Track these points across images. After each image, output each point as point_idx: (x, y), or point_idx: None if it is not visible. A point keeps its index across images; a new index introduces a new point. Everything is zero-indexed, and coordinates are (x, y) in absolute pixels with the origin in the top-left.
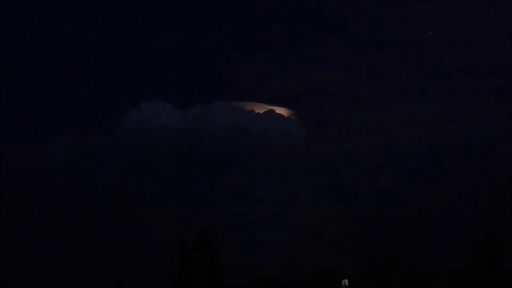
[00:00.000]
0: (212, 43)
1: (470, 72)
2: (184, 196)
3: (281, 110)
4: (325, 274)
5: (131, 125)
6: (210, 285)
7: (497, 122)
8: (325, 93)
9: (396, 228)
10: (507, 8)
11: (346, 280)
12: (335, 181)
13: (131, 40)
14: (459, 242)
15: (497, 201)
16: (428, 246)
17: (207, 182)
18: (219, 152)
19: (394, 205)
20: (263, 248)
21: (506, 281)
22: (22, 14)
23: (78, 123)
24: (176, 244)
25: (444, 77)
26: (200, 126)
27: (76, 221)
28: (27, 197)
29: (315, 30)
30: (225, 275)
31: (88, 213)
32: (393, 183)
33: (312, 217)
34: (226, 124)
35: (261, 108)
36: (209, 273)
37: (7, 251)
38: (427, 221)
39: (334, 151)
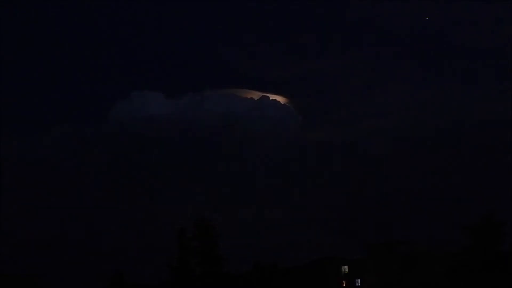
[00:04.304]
0: (203, 31)
1: (464, 56)
2: (179, 185)
3: (275, 97)
4: (325, 261)
5: (122, 115)
6: (209, 274)
7: (495, 104)
8: (320, 79)
9: (394, 213)
10: None
11: (346, 267)
12: (331, 167)
13: (119, 32)
14: (458, 226)
15: (496, 184)
16: (427, 230)
17: (201, 170)
18: (212, 139)
19: (392, 190)
20: (261, 234)
21: (506, 263)
22: (15, 10)
23: (70, 115)
24: (175, 233)
25: (439, 62)
26: (192, 114)
27: (73, 212)
28: (25, 188)
29: (309, 18)
30: (224, 264)
31: (84, 203)
32: (390, 168)
33: (309, 204)
34: (218, 112)
35: (255, 95)
36: (208, 262)
37: (5, 243)
38: (426, 206)
39: (330, 136)
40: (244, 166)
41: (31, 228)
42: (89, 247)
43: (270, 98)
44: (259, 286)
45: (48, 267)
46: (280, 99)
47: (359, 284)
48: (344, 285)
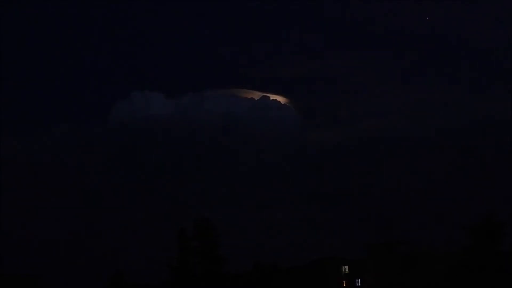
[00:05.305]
0: (203, 31)
1: (464, 56)
2: (179, 185)
3: (275, 97)
4: (325, 261)
5: (122, 115)
6: (210, 274)
7: (495, 104)
8: (321, 79)
9: (394, 213)
10: None
11: (346, 267)
12: (331, 167)
13: (119, 32)
14: (458, 226)
15: (496, 184)
16: (427, 230)
17: (201, 170)
18: (213, 139)
19: (392, 190)
20: (261, 234)
21: (506, 264)
22: (14, 10)
23: (70, 115)
24: (175, 233)
25: (439, 61)
26: (192, 115)
27: (73, 212)
28: (25, 188)
29: (310, 18)
30: (224, 264)
31: (84, 203)
32: (390, 168)
33: (309, 204)
34: (218, 112)
35: (255, 95)
36: (209, 262)
37: (5, 243)
38: (426, 206)
39: (330, 136)
40: (245, 166)
41: (31, 228)
42: (89, 247)
43: (270, 98)
44: (259, 286)
45: (48, 267)
46: (280, 99)
47: (359, 284)
48: (344, 285)
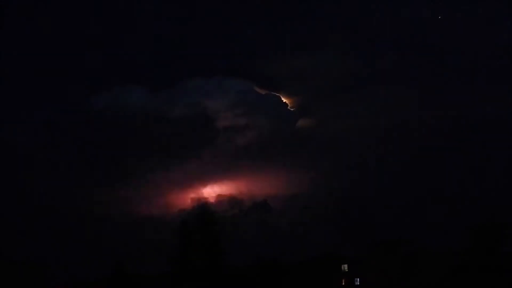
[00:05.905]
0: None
1: (463, 55)
2: (182, 179)
3: (274, 93)
4: (324, 259)
5: (104, 105)
6: (211, 267)
7: (495, 104)
8: (319, 76)
9: (395, 213)
10: None
11: (346, 265)
12: (331, 164)
13: (103, 27)
14: (460, 226)
15: (497, 185)
16: (429, 230)
17: (186, 163)
18: (198, 133)
19: (393, 188)
20: (261, 232)
21: (508, 264)
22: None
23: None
24: (178, 226)
25: (438, 61)
26: (176, 109)
27: (75, 201)
28: (14, 178)
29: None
30: (226, 257)
31: (85, 190)
32: (392, 166)
33: (309, 201)
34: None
35: (253, 91)
36: (210, 255)
37: (9, 231)
38: (428, 204)
39: (329, 133)
40: (243, 160)
41: (34, 217)
42: (91, 237)
43: (267, 93)
44: (259, 281)
45: (49, 257)
46: (278, 95)
47: (358, 283)
48: (343, 283)
